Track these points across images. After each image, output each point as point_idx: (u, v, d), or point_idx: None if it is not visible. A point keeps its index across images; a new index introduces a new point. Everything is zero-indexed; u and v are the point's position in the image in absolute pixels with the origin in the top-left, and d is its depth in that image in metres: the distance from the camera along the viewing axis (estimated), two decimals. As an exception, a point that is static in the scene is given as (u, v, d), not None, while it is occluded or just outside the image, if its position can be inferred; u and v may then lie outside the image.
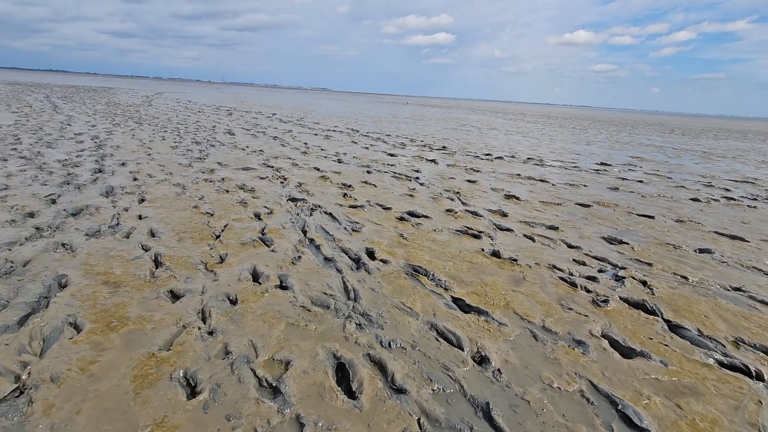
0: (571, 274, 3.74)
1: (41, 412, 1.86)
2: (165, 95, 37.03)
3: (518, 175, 8.57)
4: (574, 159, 11.80)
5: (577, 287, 3.48)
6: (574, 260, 4.10)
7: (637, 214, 6.01)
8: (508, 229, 4.91)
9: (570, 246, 4.49)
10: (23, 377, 2.08)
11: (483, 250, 4.20)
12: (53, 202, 4.82)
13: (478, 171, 8.73)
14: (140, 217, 4.49)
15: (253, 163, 7.96)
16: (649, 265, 4.08)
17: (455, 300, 3.15)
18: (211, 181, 6.32)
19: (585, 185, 7.98)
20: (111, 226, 4.16)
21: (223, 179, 6.51)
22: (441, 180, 7.60)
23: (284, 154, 9.26)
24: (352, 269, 3.57)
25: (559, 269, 3.84)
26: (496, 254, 4.10)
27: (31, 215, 4.32)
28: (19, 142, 8.44)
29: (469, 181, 7.65)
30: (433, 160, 9.75)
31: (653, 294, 3.44)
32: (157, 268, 3.36)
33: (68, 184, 5.59)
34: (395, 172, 7.98)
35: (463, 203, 6.06)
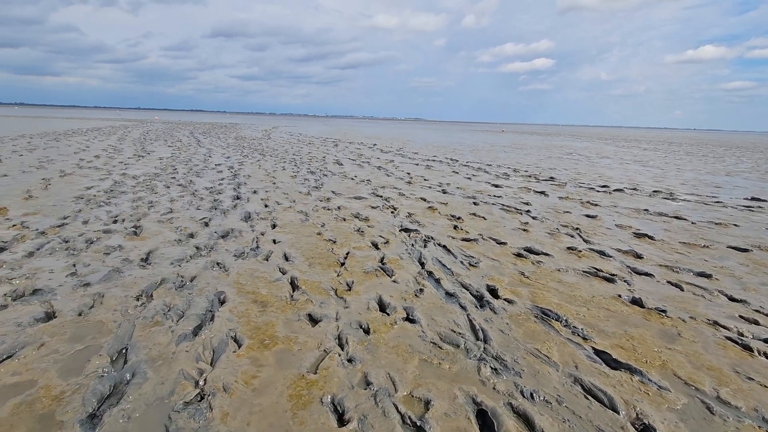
0: (742, 335, 3.15)
1: (219, 419, 2.10)
2: (280, 129, 41.59)
3: (645, 210, 7.66)
4: (714, 192, 10.19)
5: (753, 352, 2.91)
6: (741, 317, 3.45)
7: (820, 264, 4.89)
8: (646, 274, 4.36)
9: (732, 299, 3.80)
10: (200, 383, 2.39)
11: (620, 296, 3.78)
12: (206, 224, 5.63)
13: (596, 205, 8.02)
14: (275, 242, 4.99)
15: (363, 193, 8.40)
16: None
17: (598, 353, 2.85)
18: (328, 209, 6.81)
19: (735, 224, 6.79)
20: (252, 249, 4.69)
21: (339, 207, 6.97)
22: (555, 214, 7.13)
23: (390, 184, 9.62)
24: (476, 307, 3.47)
25: (724, 327, 3.26)
26: (637, 302, 3.65)
27: (192, 236, 5.09)
28: (176, 172, 10.13)
29: (588, 216, 7.06)
30: (542, 192, 9.25)
31: None
32: (294, 290, 3.67)
33: (215, 209, 6.49)
34: (503, 204, 7.73)
35: (586, 241, 5.58)
